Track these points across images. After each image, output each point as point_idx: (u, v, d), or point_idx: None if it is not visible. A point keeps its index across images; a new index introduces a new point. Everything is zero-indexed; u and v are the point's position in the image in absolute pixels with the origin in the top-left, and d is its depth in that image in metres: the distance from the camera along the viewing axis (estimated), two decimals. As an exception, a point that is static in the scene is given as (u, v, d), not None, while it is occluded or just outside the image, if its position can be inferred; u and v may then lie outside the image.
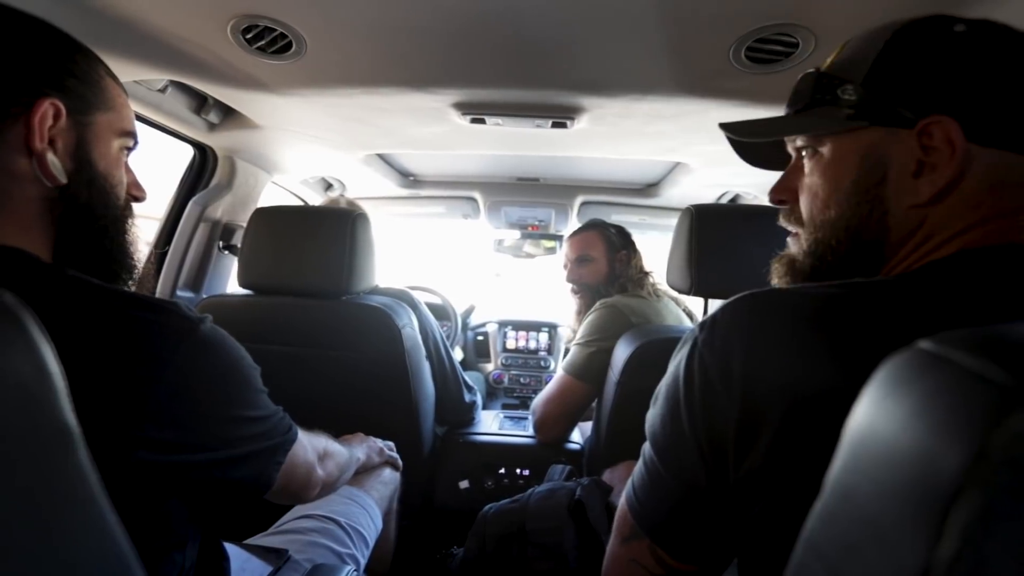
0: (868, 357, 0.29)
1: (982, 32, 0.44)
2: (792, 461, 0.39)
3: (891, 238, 0.48)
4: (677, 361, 0.49)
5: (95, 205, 0.57)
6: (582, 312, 1.62)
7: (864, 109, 0.48)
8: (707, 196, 1.92)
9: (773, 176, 0.60)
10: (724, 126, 0.60)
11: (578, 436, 1.58)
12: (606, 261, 1.61)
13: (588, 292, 1.62)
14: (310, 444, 0.76)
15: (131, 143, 0.62)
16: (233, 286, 1.55)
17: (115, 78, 0.61)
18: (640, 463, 0.53)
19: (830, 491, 0.27)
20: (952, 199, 0.44)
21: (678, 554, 0.50)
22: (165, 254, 1.46)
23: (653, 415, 0.52)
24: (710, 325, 0.47)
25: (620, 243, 1.62)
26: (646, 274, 1.58)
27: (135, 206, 0.65)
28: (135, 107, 1.11)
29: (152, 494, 0.53)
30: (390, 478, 1.18)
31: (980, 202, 0.44)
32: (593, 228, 1.66)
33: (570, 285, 1.68)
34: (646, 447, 0.53)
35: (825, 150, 0.51)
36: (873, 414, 0.25)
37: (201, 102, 1.26)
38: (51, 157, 0.52)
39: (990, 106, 0.43)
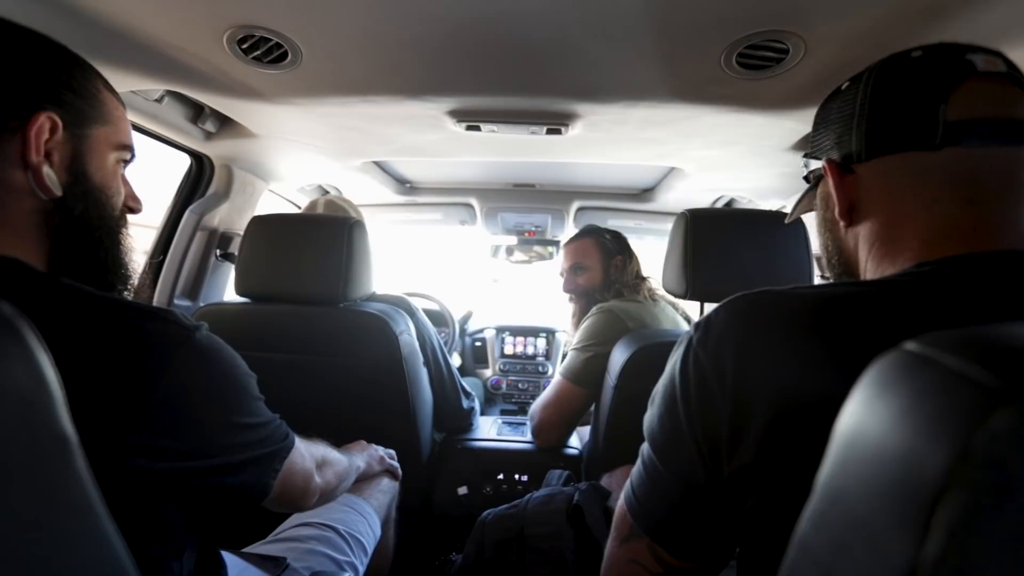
0: (858, 357, 0.29)
1: (872, 75, 0.51)
2: (782, 457, 0.40)
3: (847, 256, 0.56)
4: (673, 361, 0.51)
5: (90, 216, 0.58)
6: (579, 317, 1.62)
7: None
8: (702, 200, 1.93)
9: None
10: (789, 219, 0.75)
11: (576, 441, 1.57)
12: (601, 268, 1.61)
13: (584, 298, 1.62)
14: (308, 452, 0.75)
15: (128, 156, 0.63)
16: (230, 294, 1.55)
17: (113, 92, 0.61)
18: (639, 463, 0.54)
19: (821, 493, 0.27)
20: (866, 219, 0.52)
21: (678, 552, 0.50)
22: (162, 263, 1.46)
23: (651, 415, 0.53)
24: (704, 325, 0.48)
25: (615, 248, 1.63)
26: (643, 279, 1.59)
27: (132, 216, 0.66)
28: (132, 117, 1.11)
29: (148, 502, 0.53)
30: (389, 486, 1.17)
31: (883, 211, 0.50)
32: (587, 236, 1.67)
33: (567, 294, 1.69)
34: (644, 447, 0.53)
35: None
36: (861, 415, 0.26)
37: (198, 111, 1.27)
38: (47, 170, 0.52)
39: (863, 132, 0.50)
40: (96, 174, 0.58)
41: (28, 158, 0.51)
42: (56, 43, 0.55)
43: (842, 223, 0.54)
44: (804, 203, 0.65)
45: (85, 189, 0.57)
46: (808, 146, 0.60)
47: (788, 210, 0.74)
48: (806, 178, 0.62)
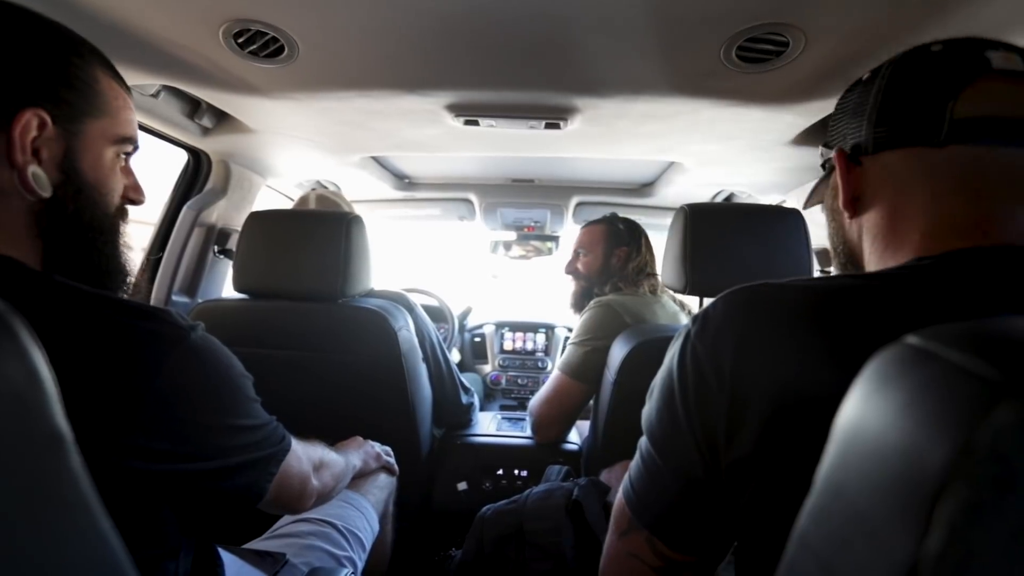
0: (858, 351, 0.29)
1: (889, 68, 0.50)
2: (780, 451, 0.40)
3: (851, 247, 0.56)
4: (671, 355, 0.51)
5: (83, 215, 0.56)
6: (574, 299, 1.66)
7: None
8: (701, 195, 1.93)
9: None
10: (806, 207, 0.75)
11: (576, 436, 1.58)
12: (601, 256, 1.60)
13: (582, 282, 1.64)
14: (305, 454, 0.75)
15: (129, 148, 0.60)
16: (228, 290, 1.55)
17: (115, 78, 0.59)
18: (637, 457, 0.54)
19: (821, 487, 0.27)
20: (869, 211, 0.52)
21: (676, 545, 0.50)
22: (160, 259, 1.46)
23: (649, 409, 0.53)
24: (703, 318, 0.48)
25: (625, 239, 1.60)
26: (649, 275, 1.56)
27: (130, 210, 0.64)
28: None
29: (144, 502, 0.53)
30: (386, 482, 1.17)
31: (886, 204, 0.50)
32: (600, 222, 1.66)
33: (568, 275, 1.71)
34: (643, 441, 0.53)
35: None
36: (862, 409, 0.26)
37: (194, 107, 1.26)
38: (33, 169, 0.50)
39: (872, 124, 0.50)
40: (90, 171, 0.55)
41: (13, 158, 0.49)
42: (55, 29, 0.53)
43: (846, 213, 0.54)
44: (819, 190, 0.66)
45: (78, 188, 0.55)
46: (820, 136, 0.59)
47: (788, 204, 0.73)
48: (823, 166, 0.62)
